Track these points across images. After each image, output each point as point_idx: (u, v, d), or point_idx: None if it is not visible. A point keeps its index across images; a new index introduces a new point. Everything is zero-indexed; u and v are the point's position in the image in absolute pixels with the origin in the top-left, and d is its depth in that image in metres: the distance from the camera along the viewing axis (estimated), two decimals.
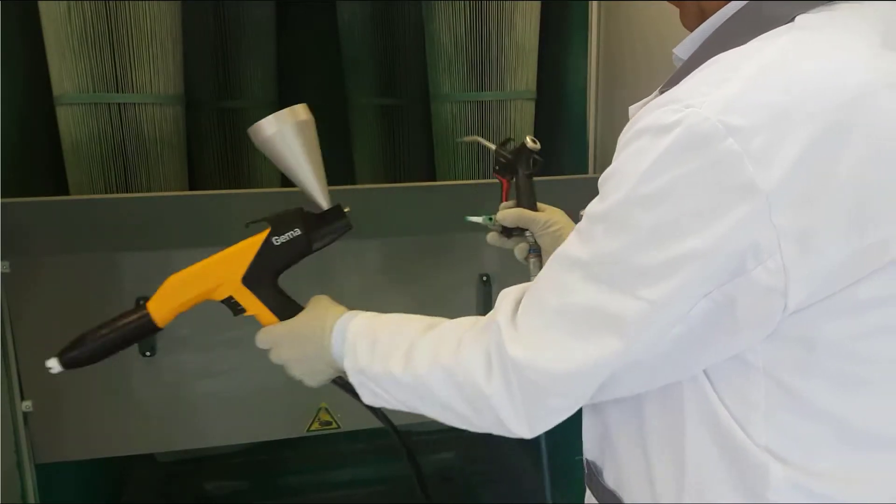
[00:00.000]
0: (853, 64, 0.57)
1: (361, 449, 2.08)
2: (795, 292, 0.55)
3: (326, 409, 1.50)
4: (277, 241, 0.83)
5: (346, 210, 0.88)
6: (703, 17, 0.67)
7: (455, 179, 1.70)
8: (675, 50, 0.71)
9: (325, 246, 0.86)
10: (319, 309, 0.84)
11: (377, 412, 0.88)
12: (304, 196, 0.88)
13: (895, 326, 0.59)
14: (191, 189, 1.67)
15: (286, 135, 0.85)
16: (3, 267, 1.30)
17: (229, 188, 1.85)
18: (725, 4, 0.64)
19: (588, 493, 0.81)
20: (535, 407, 0.66)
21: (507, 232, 0.98)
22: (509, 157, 0.97)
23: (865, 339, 0.59)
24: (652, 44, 1.50)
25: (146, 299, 1.16)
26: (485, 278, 1.49)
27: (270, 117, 0.84)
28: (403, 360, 0.73)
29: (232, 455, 2.05)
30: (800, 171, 0.53)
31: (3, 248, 1.29)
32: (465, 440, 2.03)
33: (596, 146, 1.72)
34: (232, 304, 0.86)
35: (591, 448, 0.80)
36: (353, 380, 0.79)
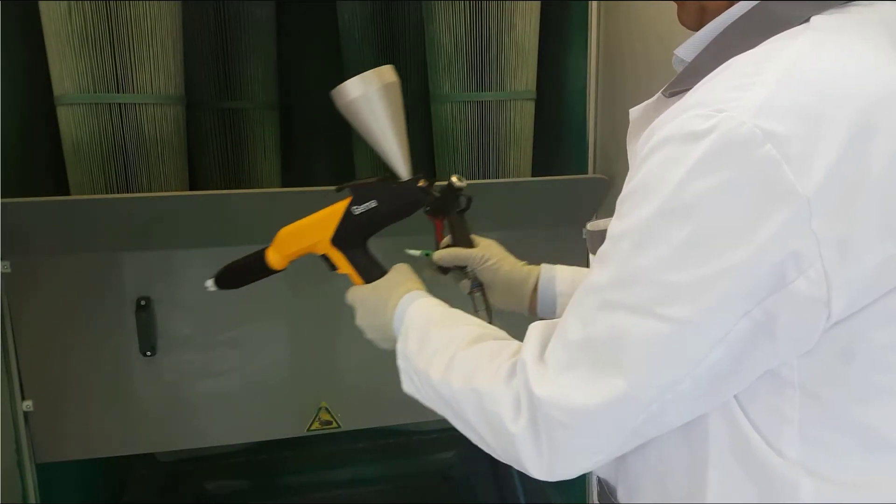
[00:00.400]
0: (873, 65, 0.55)
1: (361, 449, 2.08)
2: (837, 301, 0.54)
3: (327, 409, 1.50)
4: (357, 210, 0.88)
5: (421, 184, 0.89)
6: (703, 16, 0.66)
7: None
8: (676, 51, 0.69)
9: (404, 216, 0.90)
10: (392, 281, 0.87)
11: None
12: (385, 163, 0.90)
13: None
14: (191, 189, 1.67)
15: (371, 98, 0.84)
16: (3, 267, 1.31)
17: (229, 188, 1.85)
18: (730, 5, 0.63)
19: None
20: (561, 449, 0.61)
21: (444, 270, 0.97)
22: (437, 197, 0.93)
23: None
24: (652, 44, 1.51)
25: (146, 299, 1.17)
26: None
27: (356, 78, 0.83)
28: (443, 368, 0.72)
29: (232, 455, 2.05)
30: (836, 175, 0.52)
31: (3, 248, 1.29)
32: (465, 440, 2.03)
33: (596, 146, 1.71)
34: (327, 261, 0.92)
35: (604, 467, 0.76)
36: (399, 363, 0.79)
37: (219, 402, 1.45)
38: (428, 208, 0.94)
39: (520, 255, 0.97)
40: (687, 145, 0.54)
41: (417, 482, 2.03)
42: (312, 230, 0.91)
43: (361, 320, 0.88)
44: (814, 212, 0.51)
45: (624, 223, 0.58)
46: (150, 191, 1.48)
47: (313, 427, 1.50)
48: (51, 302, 1.34)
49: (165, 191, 1.51)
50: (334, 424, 1.50)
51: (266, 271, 0.96)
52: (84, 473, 1.69)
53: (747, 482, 0.61)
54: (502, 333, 0.74)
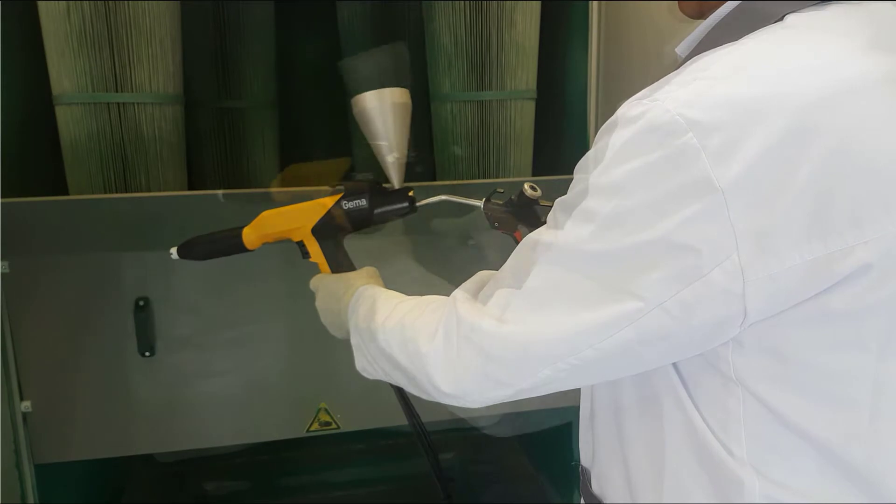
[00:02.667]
0: (831, 63, 0.56)
1: (361, 450, 2.08)
2: (754, 297, 0.54)
3: (326, 410, 1.50)
4: (346, 205, 0.95)
5: (410, 194, 0.97)
6: (701, 7, 0.68)
7: (455, 179, 1.69)
8: (676, 49, 0.71)
9: (385, 221, 0.97)
10: (358, 274, 0.93)
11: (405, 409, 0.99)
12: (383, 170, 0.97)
13: (872, 343, 0.56)
14: (190, 189, 1.66)
15: (384, 111, 0.94)
16: (2, 267, 1.30)
17: (229, 188, 1.84)
18: (723, 3, 0.64)
19: (582, 499, 0.82)
20: (471, 370, 0.65)
21: None
22: (508, 211, 0.97)
23: (840, 354, 0.57)
24: (652, 44, 1.50)
25: (145, 300, 1.19)
26: None
27: (374, 92, 0.94)
28: (382, 320, 0.77)
29: (231, 455, 2.04)
30: (759, 170, 0.52)
31: (2, 248, 1.29)
32: (466, 440, 2.03)
33: None
34: (302, 248, 0.98)
35: (584, 455, 0.81)
36: (353, 340, 0.84)
37: (218, 403, 1.44)
38: (496, 224, 0.98)
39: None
40: (622, 129, 0.57)
41: (417, 483, 2.03)
42: (297, 216, 0.97)
43: (321, 303, 0.94)
44: (730, 203, 0.52)
45: (568, 194, 0.63)
46: (148, 190, 1.48)
47: (313, 428, 1.50)
48: (49, 302, 1.34)
49: (164, 190, 1.51)
50: (333, 425, 1.50)
51: (236, 248, 1.02)
52: (83, 474, 1.68)
53: (701, 473, 0.63)
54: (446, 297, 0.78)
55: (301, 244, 0.98)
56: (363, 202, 0.94)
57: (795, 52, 0.57)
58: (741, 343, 0.58)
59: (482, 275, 0.72)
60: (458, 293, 0.69)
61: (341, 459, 2.07)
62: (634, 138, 0.56)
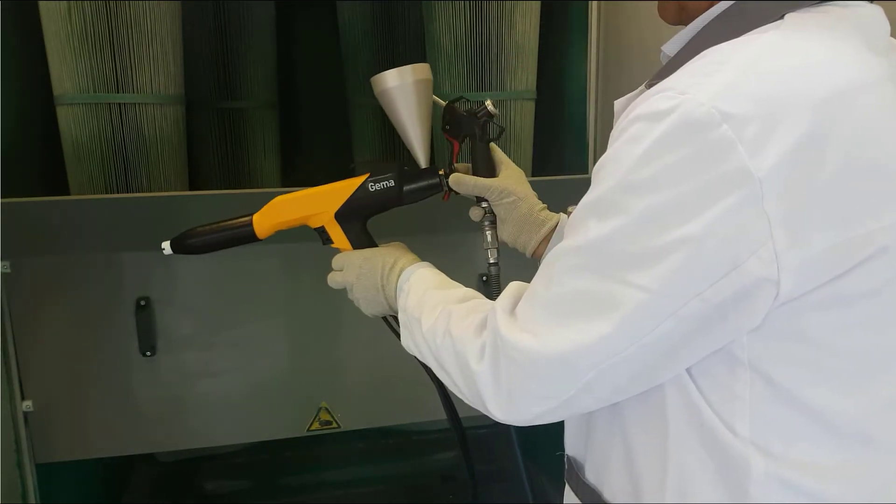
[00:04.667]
0: (841, 60, 0.58)
1: (361, 449, 2.08)
2: (786, 282, 0.56)
3: (326, 409, 1.50)
4: (373, 187, 0.91)
5: (440, 172, 0.93)
6: (681, 13, 0.69)
7: None
8: (663, 47, 0.72)
9: (415, 201, 0.93)
10: (396, 249, 0.91)
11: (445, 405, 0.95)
12: (409, 151, 0.95)
13: (879, 320, 0.59)
14: (191, 189, 1.67)
15: (406, 89, 0.91)
16: (3, 267, 1.30)
17: (229, 188, 1.85)
18: (710, 5, 0.65)
19: (567, 489, 0.82)
20: (517, 391, 0.65)
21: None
22: (464, 115, 0.95)
23: (850, 333, 0.59)
24: (652, 44, 1.50)
25: (146, 299, 1.16)
26: (485, 278, 1.49)
27: (394, 70, 0.91)
28: (433, 319, 0.76)
29: (232, 455, 2.04)
30: (791, 160, 0.54)
31: (3, 248, 1.29)
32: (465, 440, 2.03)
33: (596, 146, 1.71)
34: (322, 234, 0.94)
35: (572, 443, 0.81)
36: (401, 317, 0.83)
37: (218, 403, 1.45)
38: (447, 126, 0.95)
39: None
40: (651, 124, 0.57)
41: (417, 482, 2.03)
42: (318, 200, 0.92)
43: (354, 278, 0.89)
44: (766, 193, 0.54)
45: (591, 195, 0.62)
46: (149, 191, 1.48)
47: (313, 427, 1.50)
48: (50, 302, 1.34)
49: (165, 191, 1.51)
50: (334, 425, 1.50)
51: (244, 238, 0.95)
52: (84, 474, 1.68)
53: (705, 456, 0.63)
54: (488, 301, 0.78)
55: (322, 230, 0.93)
56: (391, 182, 0.91)
57: (807, 49, 0.58)
58: (759, 326, 0.59)
59: (515, 287, 0.72)
60: (498, 308, 0.68)
61: (341, 459, 2.07)
62: (669, 132, 0.56)
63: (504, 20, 1.58)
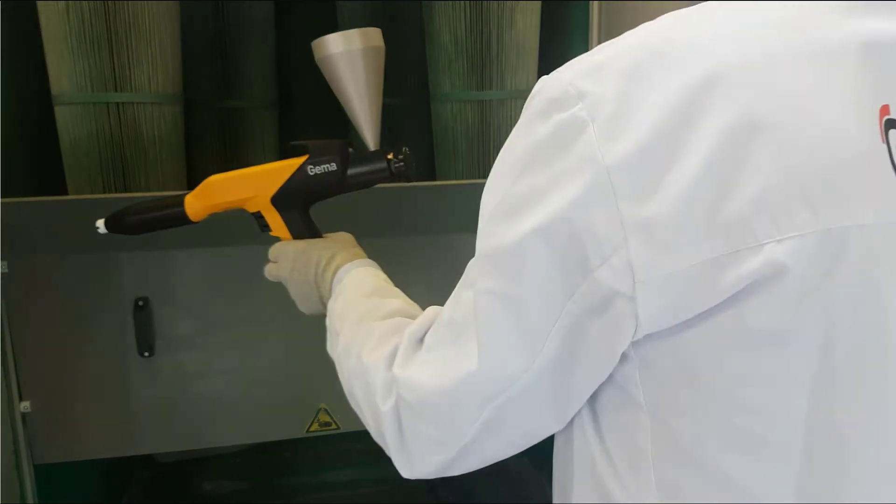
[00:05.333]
0: (753, 32, 0.48)
1: (361, 450, 2.08)
2: (647, 303, 0.45)
3: (326, 410, 1.49)
4: (312, 170, 0.82)
5: (389, 157, 0.83)
6: None
7: (455, 179, 1.69)
8: None
9: (360, 188, 0.83)
10: (336, 243, 0.82)
11: None
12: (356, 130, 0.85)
13: (802, 374, 0.46)
14: (189, 189, 1.66)
15: (352, 57, 0.79)
16: (2, 267, 1.30)
17: None
18: None
19: None
20: (411, 436, 0.56)
21: None
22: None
23: (763, 386, 0.46)
24: None
25: (144, 300, 1.15)
26: None
27: (338, 34, 0.79)
28: (349, 334, 0.67)
29: (231, 456, 2.04)
30: (653, 146, 0.44)
31: (2, 248, 1.28)
32: None
33: None
34: (260, 220, 0.86)
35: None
36: (327, 322, 0.75)
37: (217, 404, 1.44)
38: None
39: None
40: (524, 109, 0.52)
41: (417, 483, 2.02)
42: (252, 183, 0.84)
43: (288, 273, 0.81)
44: (618, 185, 0.44)
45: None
46: (148, 190, 1.47)
47: (312, 428, 1.50)
48: (49, 302, 1.34)
49: (164, 191, 1.50)
50: (333, 426, 1.50)
51: (177, 220, 0.88)
52: (82, 475, 1.68)
53: None
54: (419, 313, 0.68)
55: (258, 215, 0.85)
56: (332, 166, 0.81)
57: (722, 20, 0.49)
58: (647, 362, 0.49)
59: (432, 310, 0.63)
60: (405, 337, 0.59)
61: (341, 459, 2.07)
62: (531, 115, 0.50)
63: (504, 20, 1.58)
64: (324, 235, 0.85)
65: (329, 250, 0.80)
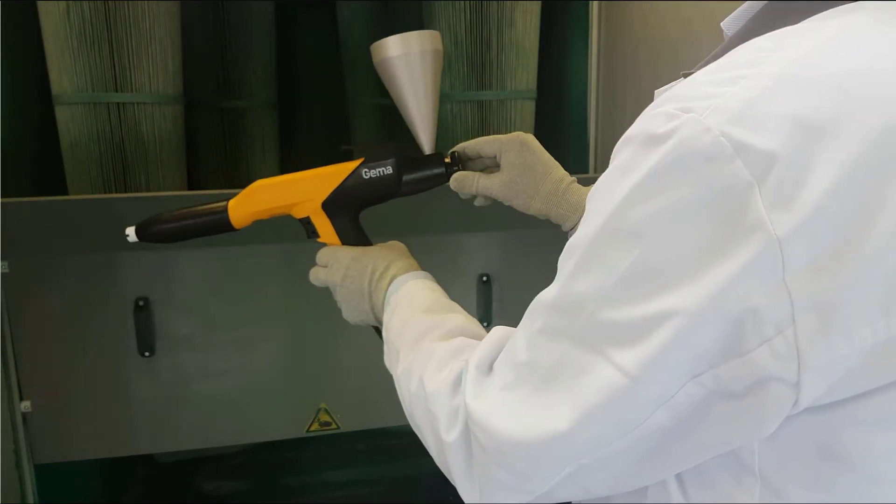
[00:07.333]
0: None
1: (361, 450, 2.08)
2: (810, 386, 0.40)
3: (326, 410, 1.49)
4: (367, 174, 0.79)
5: (446, 160, 0.81)
6: None
7: None
8: (722, 24, 0.55)
9: (414, 192, 0.81)
10: (391, 251, 0.79)
11: None
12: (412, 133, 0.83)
13: None
14: (190, 189, 1.66)
15: (410, 60, 0.77)
16: (2, 267, 1.30)
17: (229, 188, 1.84)
18: None
19: None
20: (484, 477, 0.52)
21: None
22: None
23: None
24: (652, 43, 1.50)
25: (145, 300, 1.14)
26: (485, 278, 1.49)
27: (396, 37, 0.77)
28: (410, 356, 0.64)
29: (231, 456, 2.04)
30: (831, 213, 0.38)
31: (2, 248, 1.28)
32: None
33: (596, 146, 1.71)
34: (307, 226, 0.82)
35: None
36: (384, 335, 0.73)
37: (218, 403, 1.44)
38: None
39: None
40: (643, 151, 0.42)
41: (417, 483, 2.02)
42: (303, 187, 0.81)
43: (339, 279, 0.78)
44: (789, 259, 0.38)
45: (580, 233, 0.47)
46: (148, 190, 1.48)
47: (312, 428, 1.50)
48: (49, 302, 1.34)
49: (164, 191, 1.50)
50: (333, 425, 1.50)
51: (219, 227, 0.83)
52: (83, 475, 1.68)
53: None
54: (481, 331, 0.65)
55: (307, 221, 0.82)
56: (388, 169, 0.79)
57: (876, 44, 0.42)
58: (773, 434, 0.44)
59: (498, 333, 0.57)
60: (471, 365, 0.55)
61: (341, 459, 2.07)
62: (662, 166, 0.41)
63: (504, 20, 1.58)
64: (374, 243, 0.83)
65: (385, 259, 0.77)
